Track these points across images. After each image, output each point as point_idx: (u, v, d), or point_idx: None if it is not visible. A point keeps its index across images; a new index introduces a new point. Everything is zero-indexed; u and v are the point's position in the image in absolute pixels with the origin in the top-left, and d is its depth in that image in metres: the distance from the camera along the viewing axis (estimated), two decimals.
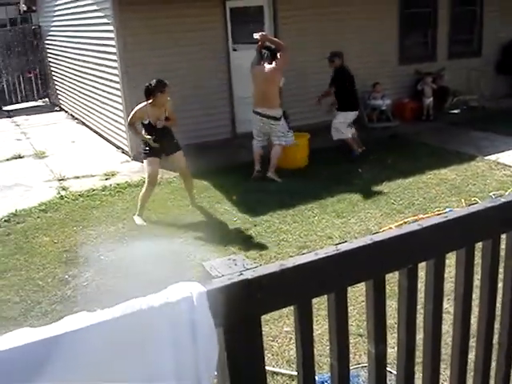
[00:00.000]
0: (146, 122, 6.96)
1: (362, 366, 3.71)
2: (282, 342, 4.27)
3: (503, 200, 1.90)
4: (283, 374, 3.88)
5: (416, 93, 11.87)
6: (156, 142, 6.94)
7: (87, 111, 12.55)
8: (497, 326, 2.17)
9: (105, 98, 10.77)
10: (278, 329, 4.40)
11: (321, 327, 4.09)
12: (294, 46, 10.25)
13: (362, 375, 3.67)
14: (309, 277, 1.57)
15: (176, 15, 9.47)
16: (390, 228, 6.21)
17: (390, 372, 3.00)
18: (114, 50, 9.50)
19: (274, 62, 8.14)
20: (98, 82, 11.12)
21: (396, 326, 1.92)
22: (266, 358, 1.67)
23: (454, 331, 2.04)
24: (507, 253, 2.06)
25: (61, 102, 15.57)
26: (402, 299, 1.84)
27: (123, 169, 9.31)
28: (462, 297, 1.94)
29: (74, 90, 13.45)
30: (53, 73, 15.82)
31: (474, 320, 2.08)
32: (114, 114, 10.25)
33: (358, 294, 4.49)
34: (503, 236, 2.02)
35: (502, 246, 2.05)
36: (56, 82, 15.65)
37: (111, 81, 10.11)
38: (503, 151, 9.05)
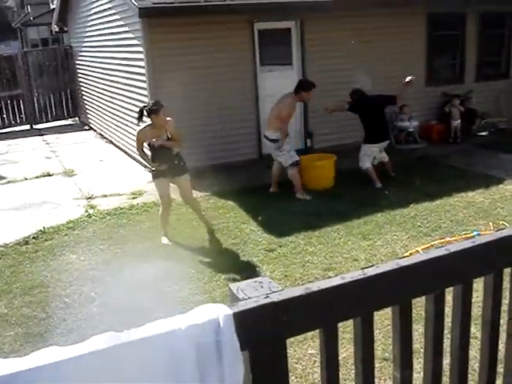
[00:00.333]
0: (147, 144, 6.86)
1: None
2: (306, 364, 4.24)
3: None
4: None
5: (443, 115, 11.81)
6: (157, 162, 6.78)
7: (115, 130, 12.72)
8: None
9: (132, 117, 10.89)
10: (302, 351, 4.37)
11: (346, 350, 4.07)
12: (321, 68, 10.32)
13: None
14: (335, 301, 1.57)
15: (205, 37, 9.58)
16: (417, 251, 6.16)
17: None
18: (143, 70, 9.65)
19: (292, 96, 8.40)
20: (126, 102, 11.27)
21: (422, 350, 1.91)
22: (290, 380, 1.66)
23: (481, 357, 2.01)
24: None
25: (90, 121, 15.82)
26: (428, 324, 1.82)
27: (150, 188, 9.34)
28: (489, 323, 1.92)
29: (103, 109, 13.67)
30: (83, 92, 16.10)
31: (501, 346, 2.05)
32: None
33: (383, 318, 4.45)
34: None
35: None
36: (85, 102, 15.93)
37: (139, 101, 10.22)
38: None
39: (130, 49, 10.35)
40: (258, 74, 10.32)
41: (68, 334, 4.94)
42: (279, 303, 1.47)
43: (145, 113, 6.69)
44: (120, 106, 11.79)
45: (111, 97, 12.51)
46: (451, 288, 1.85)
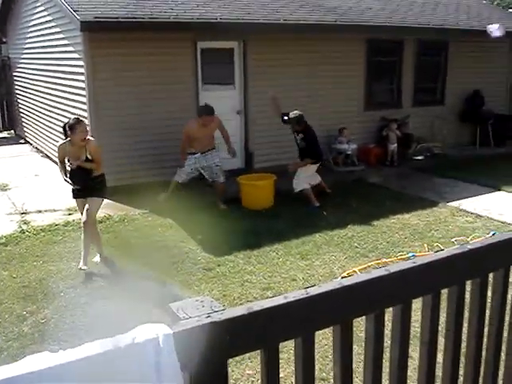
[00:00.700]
0: (67, 161, 6.55)
1: None
2: None
3: (469, 247, 1.92)
4: None
5: (381, 138, 12.09)
6: (73, 182, 6.53)
7: (52, 145, 12.42)
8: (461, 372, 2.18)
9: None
10: (239, 371, 4.33)
11: (283, 370, 4.05)
12: (262, 89, 10.41)
13: None
14: (277, 320, 1.56)
15: (147, 53, 9.52)
16: (354, 271, 6.24)
17: None
18: (83, 84, 9.48)
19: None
20: (64, 116, 11.04)
21: (362, 370, 1.91)
22: None
23: (418, 375, 2.04)
24: (472, 300, 2.08)
25: (26, 134, 15.41)
26: (368, 344, 1.83)
27: None
28: (427, 343, 1.94)
29: (40, 122, 13.34)
30: (20, 105, 15.69)
31: (438, 365, 2.09)
32: None
33: (321, 337, 4.47)
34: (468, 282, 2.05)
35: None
36: (22, 114, 15.52)
37: (78, 115, 10.05)
38: (465, 198, 9.25)
39: (70, 62, 10.17)
40: (200, 93, 10.29)
41: None
42: (221, 323, 1.44)
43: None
44: (58, 119, 11.53)
45: (49, 110, 12.24)
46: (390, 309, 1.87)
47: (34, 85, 13.38)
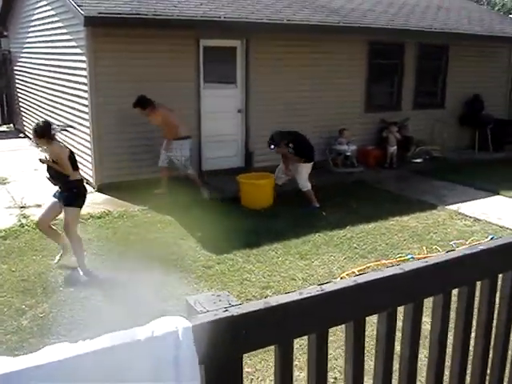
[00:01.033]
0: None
1: None
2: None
3: (481, 248, 1.94)
4: None
5: (381, 140, 12.11)
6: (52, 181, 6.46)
7: None
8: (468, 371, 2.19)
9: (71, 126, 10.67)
10: None
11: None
12: (264, 88, 10.42)
13: None
14: (291, 316, 1.57)
15: (150, 50, 9.52)
16: (353, 272, 6.25)
17: None
18: (85, 80, 9.47)
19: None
20: (65, 111, 11.04)
21: (372, 368, 1.92)
22: None
23: (427, 375, 2.05)
24: (481, 301, 2.10)
25: (26, 128, 15.37)
26: (380, 343, 1.84)
27: (86, 200, 9.16)
28: (437, 342, 1.95)
29: (40, 117, 13.29)
30: (20, 99, 15.66)
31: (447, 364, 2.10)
32: (80, 143, 10.15)
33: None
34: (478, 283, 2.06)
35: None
36: (22, 108, 15.49)
37: (80, 111, 10.05)
38: (463, 201, 9.28)
39: (72, 57, 10.14)
40: (202, 91, 10.30)
41: None
42: (238, 317, 1.45)
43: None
44: (59, 114, 11.53)
45: (50, 105, 12.22)
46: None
47: (35, 79, 13.36)
